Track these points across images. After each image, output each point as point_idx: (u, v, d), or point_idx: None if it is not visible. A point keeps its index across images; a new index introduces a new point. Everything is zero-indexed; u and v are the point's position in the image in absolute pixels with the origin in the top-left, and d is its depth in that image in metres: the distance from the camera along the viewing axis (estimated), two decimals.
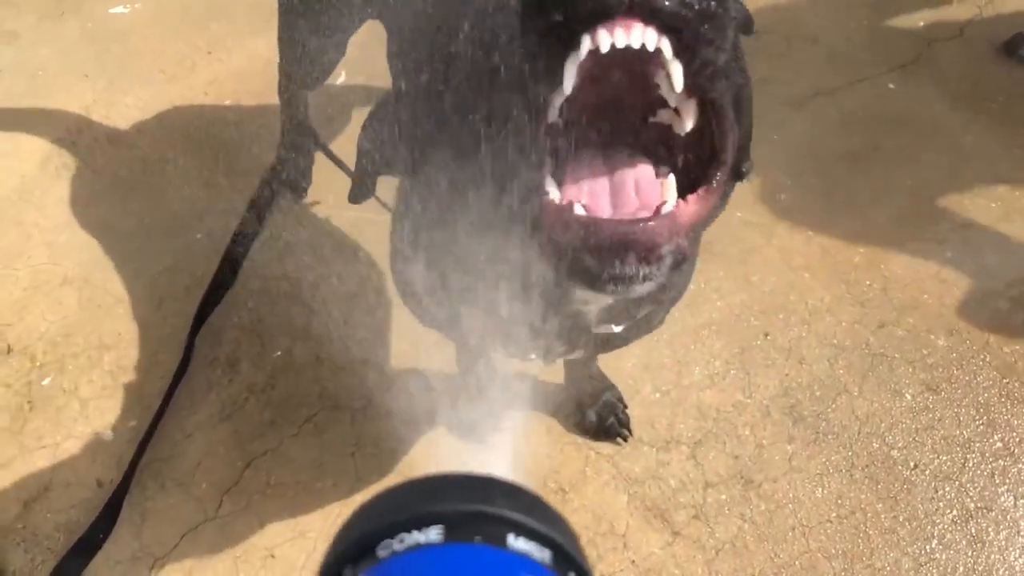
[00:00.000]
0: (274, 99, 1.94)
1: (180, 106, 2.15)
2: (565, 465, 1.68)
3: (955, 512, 1.66)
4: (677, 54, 0.64)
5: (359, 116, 2.14)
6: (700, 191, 0.72)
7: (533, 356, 1.16)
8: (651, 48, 0.63)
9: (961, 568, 1.58)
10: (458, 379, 1.66)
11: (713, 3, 0.64)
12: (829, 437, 1.74)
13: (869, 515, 1.65)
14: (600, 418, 1.70)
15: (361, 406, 1.73)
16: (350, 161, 1.98)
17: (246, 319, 1.83)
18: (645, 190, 0.72)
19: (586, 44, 0.63)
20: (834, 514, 1.65)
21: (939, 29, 2.34)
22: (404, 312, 1.75)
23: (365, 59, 2.15)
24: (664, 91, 0.68)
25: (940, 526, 1.65)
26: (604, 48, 0.62)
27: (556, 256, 0.68)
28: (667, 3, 0.62)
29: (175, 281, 1.87)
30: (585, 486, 1.67)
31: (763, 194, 2.02)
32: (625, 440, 1.70)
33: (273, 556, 1.57)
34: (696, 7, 0.63)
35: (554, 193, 0.70)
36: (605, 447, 1.70)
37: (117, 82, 2.19)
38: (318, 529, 1.59)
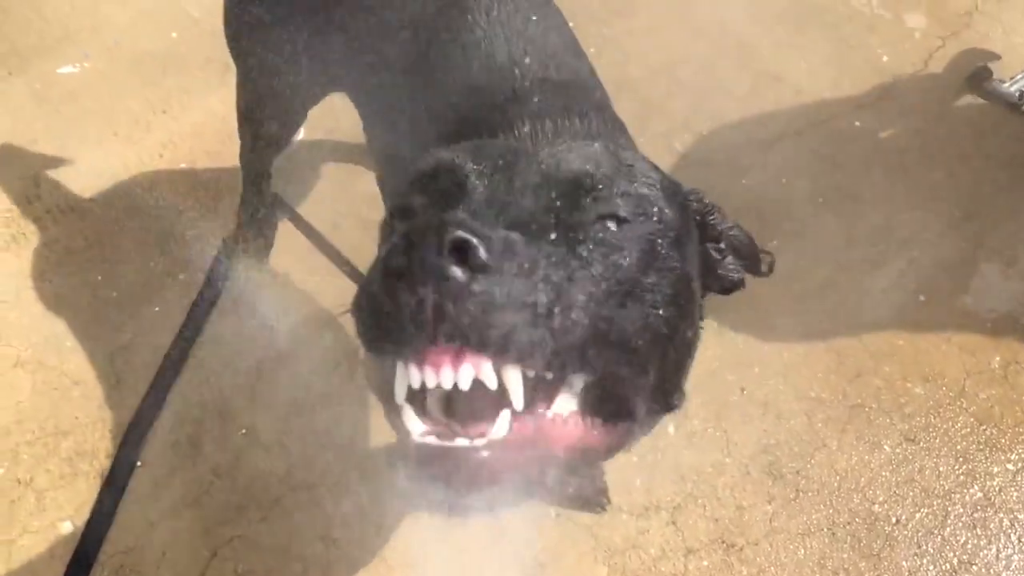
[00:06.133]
0: (231, 159, 1.88)
1: (134, 170, 2.08)
2: (542, 537, 1.64)
3: (939, 568, 1.64)
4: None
5: (325, 173, 2.11)
6: (576, 418, 0.69)
7: None
8: (464, 387, 0.60)
9: None
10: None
11: (538, 329, 0.61)
12: (809, 494, 1.71)
13: (852, 575, 1.63)
14: (577, 487, 1.66)
15: (332, 484, 1.68)
16: (316, 226, 1.94)
17: (207, 396, 1.77)
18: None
19: (402, 379, 0.62)
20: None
21: (903, 63, 2.33)
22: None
23: (323, 113, 2.11)
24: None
25: None
26: (415, 386, 0.61)
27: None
28: (477, 337, 0.58)
29: (133, 358, 1.81)
30: (563, 559, 1.63)
31: None
32: (603, 509, 1.67)
33: None
34: (516, 339, 0.60)
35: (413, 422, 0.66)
36: (583, 517, 1.66)
37: (68, 147, 2.11)
38: None
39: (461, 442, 0.63)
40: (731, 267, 0.92)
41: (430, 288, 0.58)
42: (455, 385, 0.61)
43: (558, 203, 0.74)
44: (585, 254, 0.69)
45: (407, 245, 0.58)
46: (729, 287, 0.94)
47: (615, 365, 0.68)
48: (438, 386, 0.60)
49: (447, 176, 0.77)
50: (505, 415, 0.64)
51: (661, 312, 0.74)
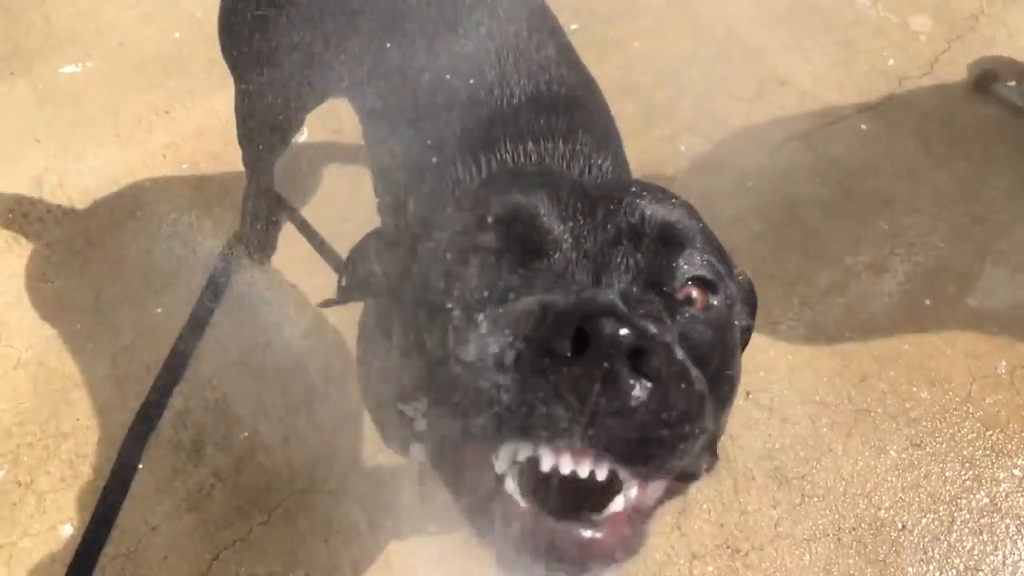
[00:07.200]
0: (234, 160, 1.87)
1: (137, 171, 2.07)
2: None
3: (945, 574, 1.63)
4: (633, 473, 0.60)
5: (329, 174, 2.10)
6: (653, 483, 0.67)
7: None
8: (601, 478, 0.58)
9: None
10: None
11: (682, 442, 0.59)
12: (815, 499, 1.70)
13: None
14: None
15: (334, 488, 1.67)
16: (321, 228, 1.93)
17: (210, 398, 1.76)
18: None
19: (524, 452, 0.59)
20: None
21: (908, 66, 2.32)
22: None
23: (328, 116, 2.11)
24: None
25: None
26: (546, 469, 0.58)
27: (499, 537, 0.64)
28: (627, 443, 0.57)
29: (135, 360, 1.80)
30: None
31: (738, 245, 1.98)
32: None
33: None
34: (663, 448, 0.58)
35: (510, 485, 0.63)
36: None
37: (71, 147, 2.11)
38: None
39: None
40: (740, 318, 0.89)
41: (596, 385, 0.54)
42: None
43: (648, 261, 0.72)
44: (683, 329, 0.68)
45: (578, 333, 0.54)
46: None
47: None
48: (564, 473, 0.58)
49: (526, 222, 0.74)
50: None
51: (727, 395, 0.73)
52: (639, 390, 0.55)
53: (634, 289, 0.69)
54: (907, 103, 2.25)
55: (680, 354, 0.62)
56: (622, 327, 0.54)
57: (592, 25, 2.40)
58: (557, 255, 0.71)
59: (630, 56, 2.34)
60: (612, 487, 0.62)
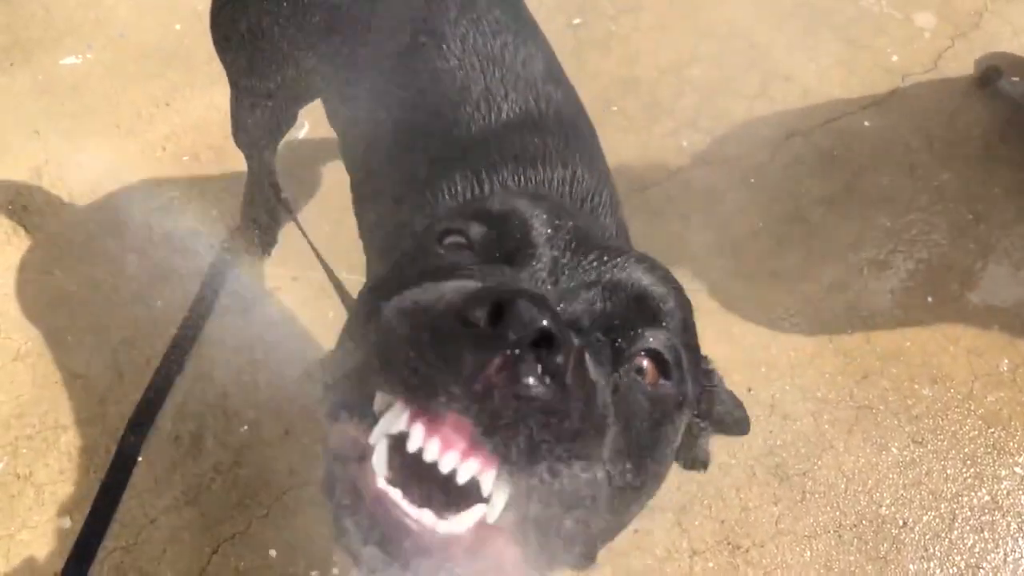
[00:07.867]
0: (234, 153, 1.86)
1: (137, 163, 2.06)
2: None
3: (946, 571, 1.63)
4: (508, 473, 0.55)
5: (329, 170, 2.09)
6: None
7: None
8: (459, 482, 0.54)
9: None
10: None
11: (563, 464, 0.55)
12: (816, 496, 1.70)
13: None
14: None
15: None
16: (320, 224, 1.92)
17: (209, 392, 1.75)
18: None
19: (384, 426, 0.56)
20: None
21: (912, 63, 2.31)
22: None
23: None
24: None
25: None
26: (412, 449, 0.54)
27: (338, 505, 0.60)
28: (504, 442, 0.53)
29: (135, 353, 1.79)
30: None
31: (740, 242, 1.98)
32: None
33: None
34: (556, 455, 0.55)
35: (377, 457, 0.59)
36: None
37: (71, 139, 2.10)
38: None
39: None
40: (704, 446, 0.85)
41: (495, 364, 0.52)
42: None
43: (615, 314, 0.68)
44: (619, 384, 0.64)
45: (495, 307, 0.52)
46: (691, 466, 0.87)
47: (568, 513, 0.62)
48: (427, 460, 0.54)
49: (519, 227, 0.72)
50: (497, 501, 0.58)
51: (639, 484, 0.68)
52: (534, 380, 0.52)
53: (587, 324, 0.66)
54: (910, 100, 2.24)
55: (594, 374, 0.59)
56: (542, 314, 0.52)
57: (595, 20, 2.39)
58: (527, 271, 0.69)
59: (633, 52, 2.33)
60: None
